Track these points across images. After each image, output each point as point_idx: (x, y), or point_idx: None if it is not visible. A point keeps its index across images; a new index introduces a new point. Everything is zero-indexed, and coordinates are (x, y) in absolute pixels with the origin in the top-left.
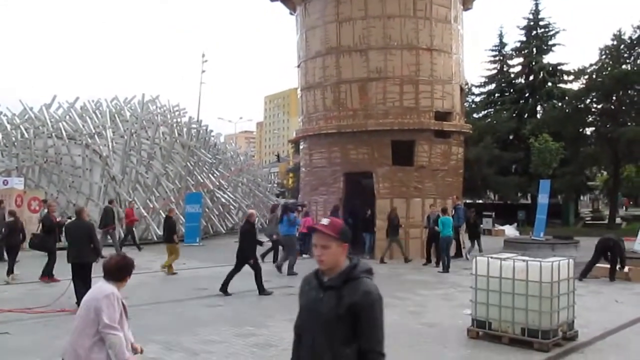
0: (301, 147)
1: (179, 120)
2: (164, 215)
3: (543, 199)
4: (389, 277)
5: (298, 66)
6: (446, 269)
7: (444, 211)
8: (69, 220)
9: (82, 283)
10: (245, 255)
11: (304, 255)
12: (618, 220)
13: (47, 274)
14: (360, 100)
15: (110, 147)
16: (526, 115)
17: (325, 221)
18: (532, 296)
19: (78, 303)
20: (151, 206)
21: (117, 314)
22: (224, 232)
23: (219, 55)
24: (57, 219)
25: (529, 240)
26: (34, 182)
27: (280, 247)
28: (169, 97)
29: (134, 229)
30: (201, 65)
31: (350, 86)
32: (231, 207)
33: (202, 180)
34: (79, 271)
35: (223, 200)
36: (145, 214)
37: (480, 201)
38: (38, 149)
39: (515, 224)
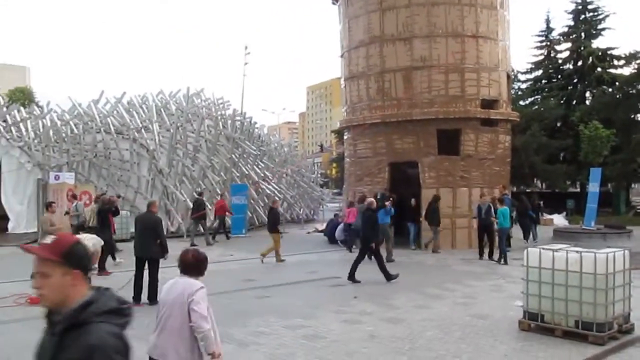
0: (345, 137)
1: (223, 112)
2: (210, 207)
3: (594, 187)
4: (437, 268)
5: (341, 56)
6: (504, 261)
7: (501, 202)
8: (119, 199)
9: (150, 279)
10: (369, 241)
11: (344, 247)
12: None
13: (101, 267)
14: (405, 89)
15: (156, 140)
16: (574, 102)
17: (49, 239)
18: (587, 288)
19: (135, 298)
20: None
21: (207, 307)
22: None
23: (261, 46)
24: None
25: (579, 230)
26: (84, 177)
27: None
28: (212, 90)
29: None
30: (244, 57)
31: (394, 75)
32: (276, 198)
33: (246, 172)
34: (145, 266)
35: (268, 191)
36: (191, 205)
37: (528, 190)
38: (87, 144)
39: (564, 213)
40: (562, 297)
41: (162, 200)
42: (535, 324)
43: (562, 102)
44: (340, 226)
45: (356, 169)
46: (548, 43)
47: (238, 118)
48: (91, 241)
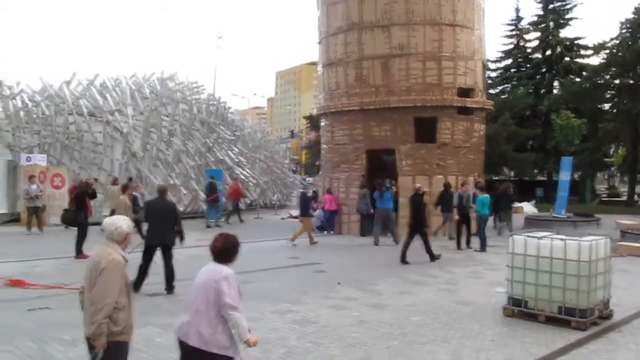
0: (322, 123)
1: (197, 97)
2: (184, 192)
3: (565, 176)
4: (415, 254)
5: (319, 42)
6: (484, 248)
7: (482, 189)
8: (95, 182)
9: (167, 267)
10: (420, 225)
11: (325, 232)
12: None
13: (78, 250)
14: (383, 77)
15: (130, 123)
16: (543, 90)
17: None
18: (570, 275)
19: (137, 286)
20: (171, 182)
21: (237, 294)
22: (243, 208)
23: (232, 31)
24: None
25: (550, 218)
26: (55, 159)
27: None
28: (186, 74)
29: (239, 203)
30: (215, 41)
31: (372, 63)
32: (250, 183)
33: (221, 157)
34: (163, 253)
35: (242, 177)
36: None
37: (496, 178)
38: (59, 126)
39: (534, 201)
40: (546, 284)
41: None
42: (519, 309)
43: (530, 91)
44: (318, 212)
45: (333, 156)
46: (517, 32)
47: (212, 102)
48: (125, 222)
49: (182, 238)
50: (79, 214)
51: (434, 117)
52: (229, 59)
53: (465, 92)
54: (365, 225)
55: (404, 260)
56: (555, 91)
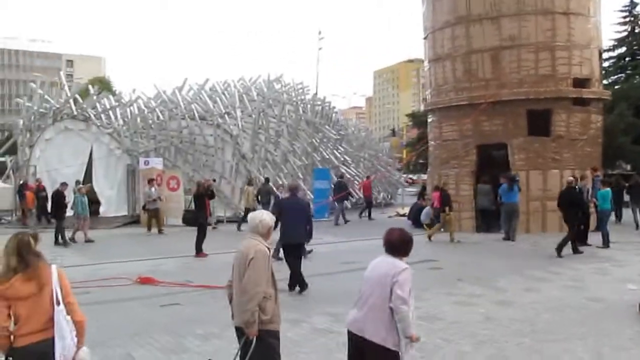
0: (430, 120)
1: (303, 97)
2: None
3: None
4: (533, 251)
5: (425, 38)
6: (607, 244)
7: (604, 183)
8: (214, 182)
9: (296, 262)
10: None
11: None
12: None
13: (198, 249)
14: (493, 70)
15: (239, 126)
16: None
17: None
18: None
19: (292, 285)
20: (280, 182)
21: (409, 289)
22: (349, 207)
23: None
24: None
25: None
26: (170, 162)
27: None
28: (292, 76)
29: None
30: (317, 42)
31: (481, 56)
32: (355, 182)
33: (327, 157)
34: (294, 251)
35: (348, 176)
36: (276, 191)
37: (613, 172)
38: (173, 130)
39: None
40: None
41: (245, 185)
42: None
43: None
44: (426, 210)
45: (442, 152)
46: (632, 18)
47: (318, 103)
48: (269, 216)
49: (310, 236)
50: (199, 215)
51: (547, 109)
52: (327, 58)
53: (581, 83)
54: (484, 221)
55: (576, 250)
56: None
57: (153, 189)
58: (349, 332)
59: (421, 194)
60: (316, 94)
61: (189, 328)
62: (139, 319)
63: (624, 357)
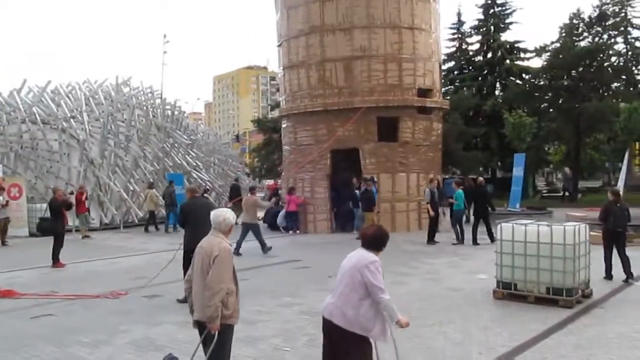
0: (284, 125)
1: (152, 102)
2: (143, 197)
3: (518, 171)
4: (390, 248)
5: (279, 45)
6: (461, 241)
7: (458, 184)
8: (72, 196)
9: None
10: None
11: (290, 232)
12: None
13: (55, 259)
14: (346, 78)
15: (87, 130)
16: (485, 91)
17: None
18: (557, 257)
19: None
20: (131, 188)
21: (382, 279)
22: None
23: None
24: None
25: (505, 212)
26: (10, 169)
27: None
28: (140, 79)
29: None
30: (163, 46)
31: (335, 65)
32: (207, 187)
33: (179, 162)
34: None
35: (200, 181)
36: (126, 197)
37: (446, 176)
38: (12, 135)
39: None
40: (534, 267)
41: (95, 192)
42: (508, 292)
43: (473, 92)
44: (282, 213)
45: (297, 156)
46: (460, 36)
47: (168, 107)
48: (231, 214)
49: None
50: (56, 224)
51: (395, 116)
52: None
53: (424, 93)
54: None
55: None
56: (496, 92)
57: (1, 197)
58: (323, 318)
59: (273, 197)
60: (165, 98)
61: (72, 337)
62: (12, 332)
63: (490, 334)
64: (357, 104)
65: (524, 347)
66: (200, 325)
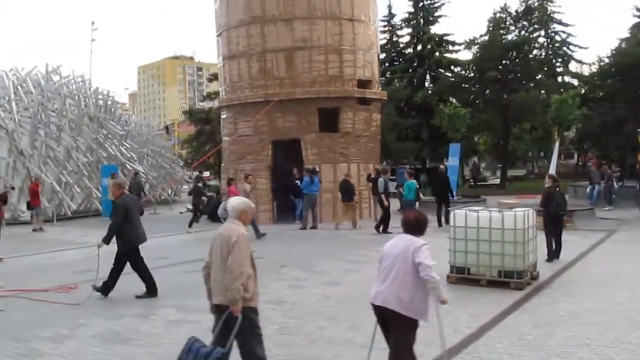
0: (224, 116)
1: (84, 91)
2: (77, 190)
3: (453, 161)
4: (332, 238)
5: (218, 35)
6: None
7: (410, 175)
8: (12, 190)
9: (143, 268)
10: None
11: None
12: (497, 181)
13: None
14: (287, 69)
15: (16, 120)
16: (415, 83)
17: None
18: (508, 242)
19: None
20: (64, 180)
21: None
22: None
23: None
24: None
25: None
26: None
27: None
28: (71, 68)
29: None
30: (91, 33)
31: (276, 55)
32: (141, 178)
33: (113, 153)
34: (136, 255)
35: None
36: (59, 189)
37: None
38: None
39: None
40: (487, 251)
41: (25, 184)
42: (461, 276)
43: (404, 84)
44: (223, 204)
45: (237, 147)
46: (390, 28)
47: (100, 97)
48: (248, 203)
49: None
50: None
51: (336, 107)
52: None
53: (364, 84)
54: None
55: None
56: (426, 84)
57: None
58: (374, 306)
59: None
60: (97, 87)
61: (30, 332)
62: None
63: (451, 317)
64: (298, 95)
65: (487, 327)
66: (219, 309)
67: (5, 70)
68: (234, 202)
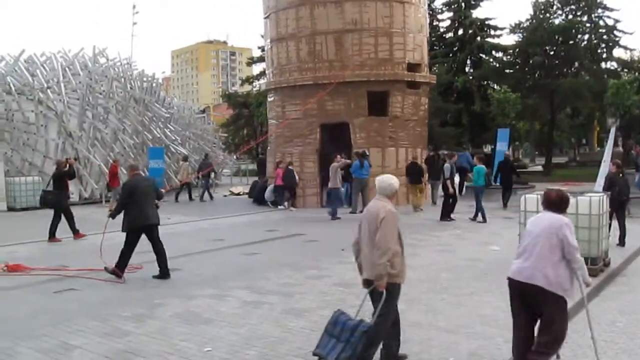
0: (270, 99)
1: (130, 74)
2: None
3: (502, 146)
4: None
5: (266, 17)
6: (484, 218)
7: (480, 159)
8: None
9: (161, 247)
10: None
11: (279, 207)
12: (539, 168)
13: (52, 234)
14: (336, 52)
15: (65, 102)
16: (455, 68)
17: None
18: (582, 227)
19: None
20: (111, 162)
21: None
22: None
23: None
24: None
25: (491, 187)
26: None
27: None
28: (117, 50)
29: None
30: (132, 17)
31: (325, 38)
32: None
33: (158, 135)
34: (154, 231)
35: (178, 155)
36: (107, 171)
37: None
38: None
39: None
40: None
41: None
42: None
43: (445, 69)
44: (270, 187)
45: (285, 131)
46: (430, 12)
47: (145, 80)
48: (396, 180)
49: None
50: (60, 196)
51: (385, 91)
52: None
53: (413, 67)
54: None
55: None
56: (466, 69)
57: None
58: (514, 281)
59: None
60: (143, 70)
61: (108, 311)
62: (41, 308)
63: None
64: (348, 78)
65: (571, 313)
66: (368, 284)
67: (54, 53)
68: (388, 180)
